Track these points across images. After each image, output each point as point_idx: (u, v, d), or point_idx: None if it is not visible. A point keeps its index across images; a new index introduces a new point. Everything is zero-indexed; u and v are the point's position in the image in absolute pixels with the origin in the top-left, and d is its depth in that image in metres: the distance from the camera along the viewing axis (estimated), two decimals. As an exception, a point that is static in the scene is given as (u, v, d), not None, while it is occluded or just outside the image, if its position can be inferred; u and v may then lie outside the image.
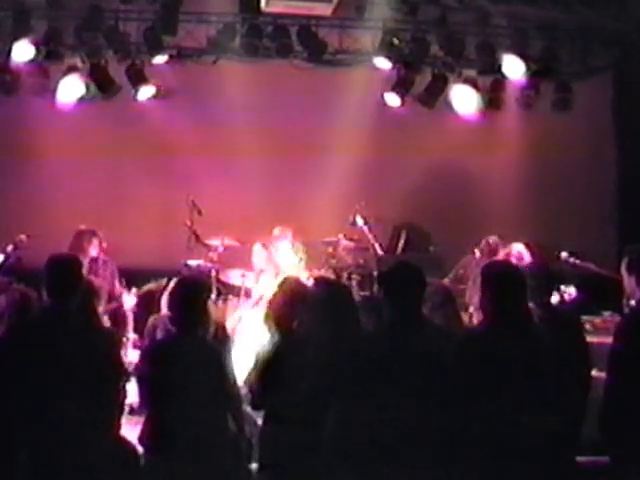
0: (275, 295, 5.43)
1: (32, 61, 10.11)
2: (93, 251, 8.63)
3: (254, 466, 5.43)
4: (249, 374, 5.32)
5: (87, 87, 10.39)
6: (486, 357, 4.36)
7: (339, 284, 6.29)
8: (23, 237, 8.87)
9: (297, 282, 5.61)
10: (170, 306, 5.49)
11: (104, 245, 8.70)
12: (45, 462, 4.90)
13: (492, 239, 9.04)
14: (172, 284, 5.89)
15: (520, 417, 4.31)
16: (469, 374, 4.33)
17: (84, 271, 7.37)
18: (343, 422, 4.41)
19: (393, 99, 10.99)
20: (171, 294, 5.56)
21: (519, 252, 8.35)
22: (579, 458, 5.41)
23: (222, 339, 6.43)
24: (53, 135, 10.44)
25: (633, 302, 5.01)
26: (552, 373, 4.43)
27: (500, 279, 4.60)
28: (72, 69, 10.29)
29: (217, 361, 5.24)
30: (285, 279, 5.67)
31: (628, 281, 4.90)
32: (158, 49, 10.36)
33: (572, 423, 5.15)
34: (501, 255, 8.43)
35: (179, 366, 5.02)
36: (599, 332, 7.34)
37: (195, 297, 5.28)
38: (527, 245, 8.49)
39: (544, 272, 5.75)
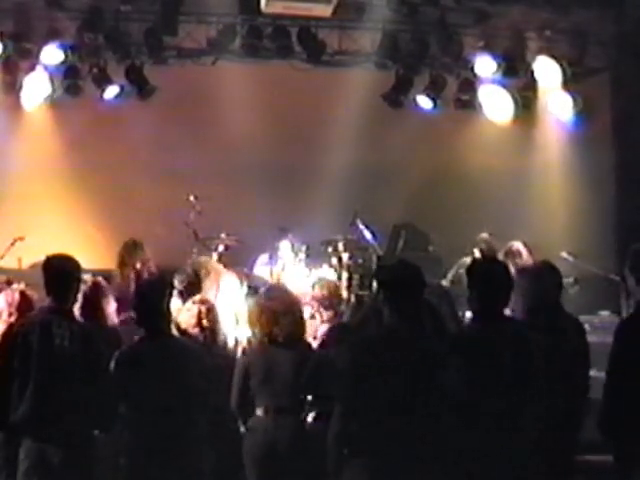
0: (257, 300, 5.51)
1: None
2: (137, 263, 8.52)
3: None
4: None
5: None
6: (473, 356, 4.36)
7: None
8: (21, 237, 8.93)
9: (286, 291, 5.72)
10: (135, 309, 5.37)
11: (149, 257, 8.57)
12: (43, 460, 4.92)
13: (486, 236, 9.11)
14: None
15: (510, 416, 4.32)
16: (458, 374, 4.33)
17: (130, 283, 7.39)
18: (345, 422, 4.42)
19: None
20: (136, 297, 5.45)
21: (518, 249, 8.37)
22: (579, 458, 5.44)
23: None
24: (55, 135, 10.51)
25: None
26: (539, 372, 4.41)
27: (485, 277, 4.57)
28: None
29: (197, 364, 5.20)
30: (274, 288, 5.75)
31: (630, 281, 4.91)
32: (158, 50, 10.38)
33: (568, 422, 5.18)
34: (501, 253, 8.44)
35: (146, 370, 5.02)
36: (597, 332, 7.36)
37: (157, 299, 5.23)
38: (524, 243, 8.52)
39: (556, 272, 5.69)
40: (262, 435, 5.32)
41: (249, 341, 5.97)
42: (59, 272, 5.15)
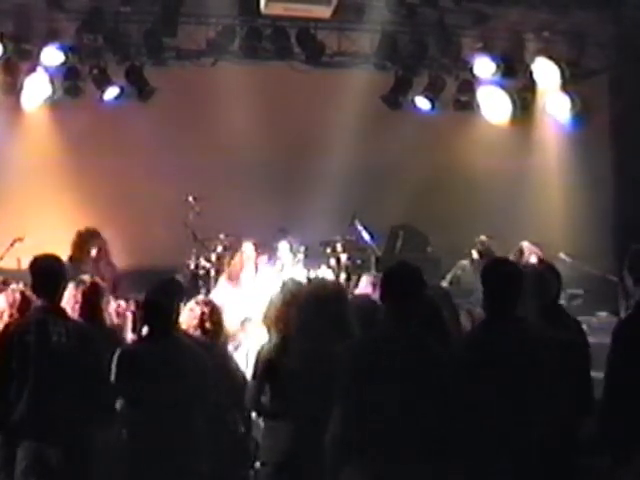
0: (275, 297, 5.45)
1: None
2: (93, 251, 8.60)
3: (258, 464, 5.39)
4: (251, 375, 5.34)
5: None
6: (479, 356, 4.35)
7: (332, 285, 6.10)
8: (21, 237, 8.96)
9: (296, 284, 5.64)
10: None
11: (107, 247, 8.65)
12: (41, 459, 4.94)
13: (484, 238, 9.14)
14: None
15: (517, 417, 4.31)
16: (466, 376, 4.33)
17: (89, 270, 7.45)
18: (344, 425, 4.42)
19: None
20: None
21: (528, 248, 8.42)
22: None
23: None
24: (55, 135, 10.55)
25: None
26: (548, 372, 4.41)
27: (493, 277, 4.56)
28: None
29: (199, 364, 5.18)
30: (285, 282, 5.69)
31: (628, 282, 4.92)
32: (158, 51, 10.41)
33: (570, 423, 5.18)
34: (513, 254, 8.46)
35: (147, 369, 5.01)
36: (595, 333, 7.37)
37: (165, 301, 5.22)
38: (534, 243, 8.57)
39: (556, 272, 5.68)
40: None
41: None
42: (48, 272, 5.19)
